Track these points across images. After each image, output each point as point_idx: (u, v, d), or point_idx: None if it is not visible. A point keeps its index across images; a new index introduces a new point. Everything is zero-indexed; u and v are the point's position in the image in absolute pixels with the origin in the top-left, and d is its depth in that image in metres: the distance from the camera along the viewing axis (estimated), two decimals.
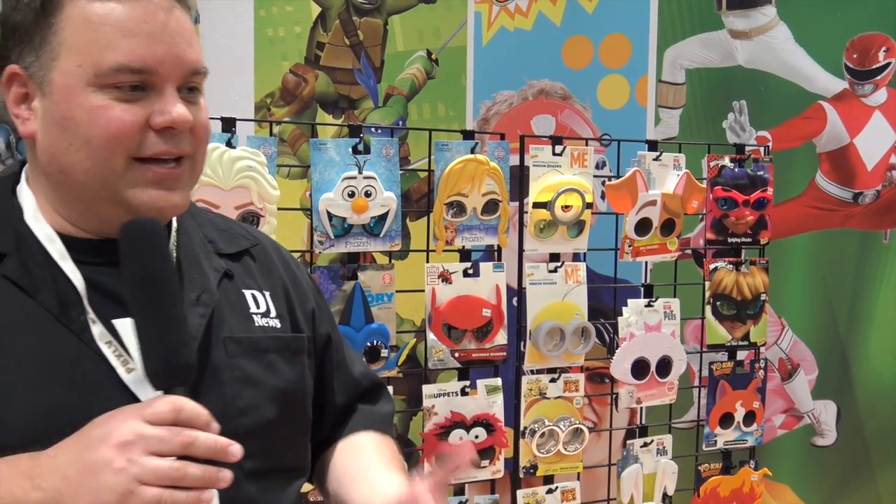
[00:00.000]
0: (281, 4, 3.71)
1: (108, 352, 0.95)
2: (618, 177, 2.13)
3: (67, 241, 1.00)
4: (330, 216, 1.80)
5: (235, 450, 0.88)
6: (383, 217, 1.85)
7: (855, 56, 2.82)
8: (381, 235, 1.85)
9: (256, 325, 1.09)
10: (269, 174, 1.77)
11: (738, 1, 2.96)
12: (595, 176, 2.12)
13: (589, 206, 2.03)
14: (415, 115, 3.45)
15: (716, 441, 2.25)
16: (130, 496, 0.83)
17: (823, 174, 2.89)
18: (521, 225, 2.03)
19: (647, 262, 2.23)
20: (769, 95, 2.93)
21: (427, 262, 1.94)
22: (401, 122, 3.46)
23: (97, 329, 0.96)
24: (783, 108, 2.92)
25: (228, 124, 1.77)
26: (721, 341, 2.25)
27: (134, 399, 0.93)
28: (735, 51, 2.96)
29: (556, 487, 2.07)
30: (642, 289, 2.19)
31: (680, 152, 2.18)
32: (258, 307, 1.11)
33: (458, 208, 1.93)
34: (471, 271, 1.95)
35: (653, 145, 2.16)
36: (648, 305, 2.13)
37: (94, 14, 0.95)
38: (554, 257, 2.05)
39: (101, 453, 0.84)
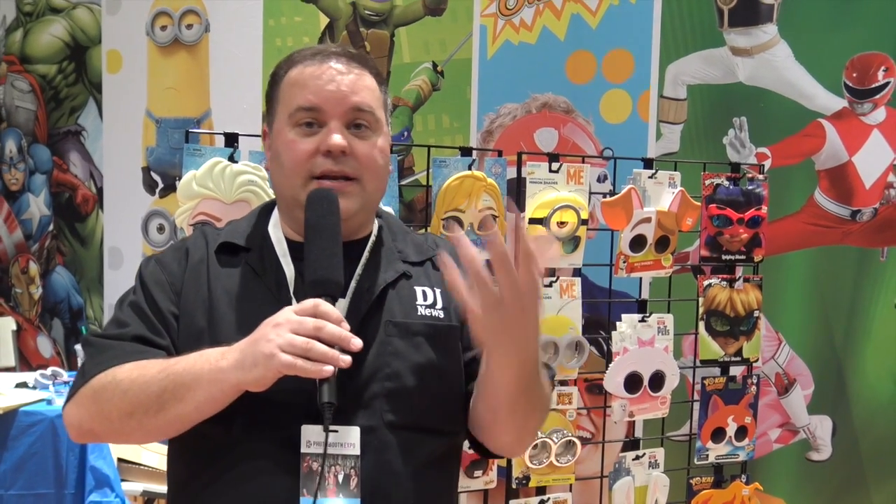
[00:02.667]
0: (290, 15, 3.77)
1: None
2: (614, 193, 2.16)
3: (290, 243, 1.38)
4: None
5: (356, 343, 1.19)
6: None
7: (854, 75, 2.85)
8: None
9: (418, 313, 1.37)
10: (270, 188, 1.81)
11: (739, 18, 2.99)
12: (593, 193, 2.16)
13: (584, 222, 2.07)
14: (420, 126, 3.49)
15: (707, 455, 2.28)
16: (273, 358, 1.17)
17: (822, 191, 2.91)
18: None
19: (642, 278, 2.26)
20: (769, 112, 2.95)
21: None
22: (406, 133, 3.51)
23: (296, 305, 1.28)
24: (783, 125, 2.94)
25: (231, 139, 1.82)
26: (714, 357, 2.29)
27: None
28: (736, 68, 2.99)
29: (549, 499, 2.11)
30: (636, 304, 2.22)
31: (676, 170, 2.21)
32: (426, 300, 1.39)
33: (456, 224, 1.97)
34: None
35: (648, 163, 2.19)
36: (642, 321, 2.17)
37: (293, 77, 1.36)
38: (549, 272, 2.08)
39: (263, 330, 1.20)
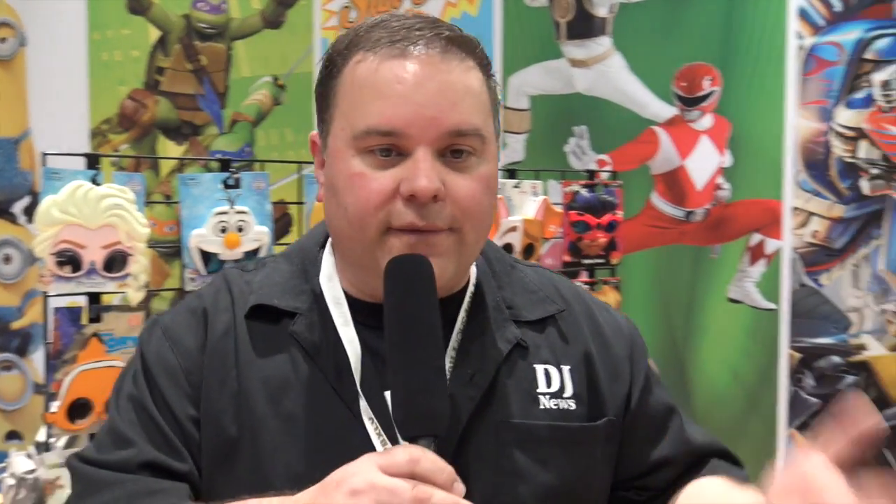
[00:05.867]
0: (116, 27, 3.60)
1: (371, 428, 0.93)
2: None
3: (354, 303, 0.98)
4: (201, 252, 1.78)
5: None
6: (255, 252, 1.84)
7: (683, 84, 3.03)
8: None
9: (542, 408, 0.98)
10: (137, 211, 1.72)
11: (575, 31, 3.12)
12: None
13: None
14: (262, 141, 3.42)
15: None
16: None
17: (658, 194, 3.07)
18: None
19: None
20: (607, 121, 3.10)
21: None
22: (247, 149, 3.42)
23: (363, 403, 0.93)
24: (620, 132, 3.09)
25: (93, 161, 1.71)
26: None
27: None
28: (575, 79, 3.12)
29: None
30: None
31: (537, 179, 2.28)
32: (549, 386, 0.99)
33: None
34: None
35: (512, 173, 2.24)
36: None
37: (358, 76, 0.93)
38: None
39: (334, 498, 0.79)
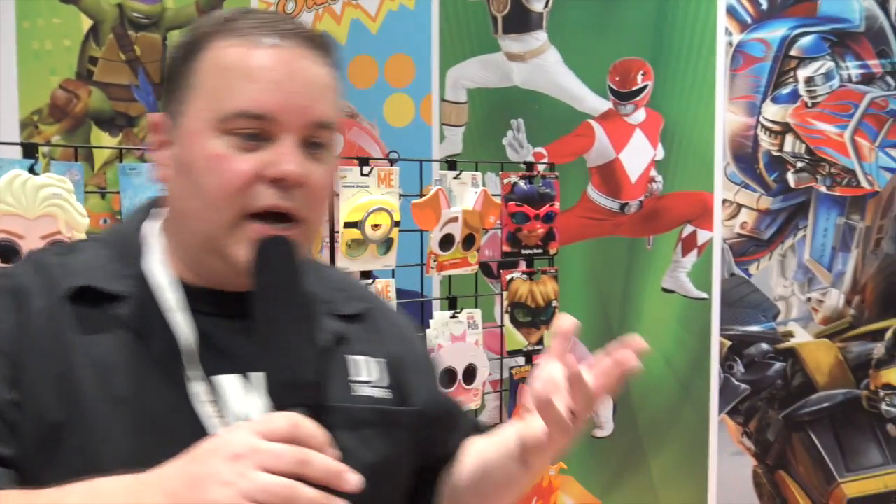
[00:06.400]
0: (47, 16, 3.52)
1: (205, 410, 0.93)
2: (419, 195, 2.22)
3: (188, 289, 0.98)
4: None
5: (352, 479, 0.80)
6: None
7: (617, 79, 3.09)
8: None
9: (360, 394, 1.04)
10: (76, 201, 1.70)
11: (512, 25, 3.16)
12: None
13: (397, 223, 2.11)
14: None
15: None
16: None
17: (594, 186, 3.13)
18: (333, 244, 2.07)
19: (450, 277, 2.33)
20: (544, 114, 3.15)
21: None
22: None
23: (200, 386, 0.94)
24: (556, 125, 3.14)
25: (30, 150, 1.69)
26: (519, 347, 2.41)
27: None
28: (512, 72, 3.16)
29: None
30: (446, 302, 2.30)
31: (477, 170, 2.31)
32: (365, 375, 1.06)
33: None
34: None
35: (452, 165, 2.27)
36: (453, 317, 2.24)
37: (226, 60, 0.95)
38: (365, 275, 2.10)
39: (210, 465, 0.78)
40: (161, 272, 0.98)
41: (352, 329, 1.07)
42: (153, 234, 1.01)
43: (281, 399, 0.85)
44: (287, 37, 0.95)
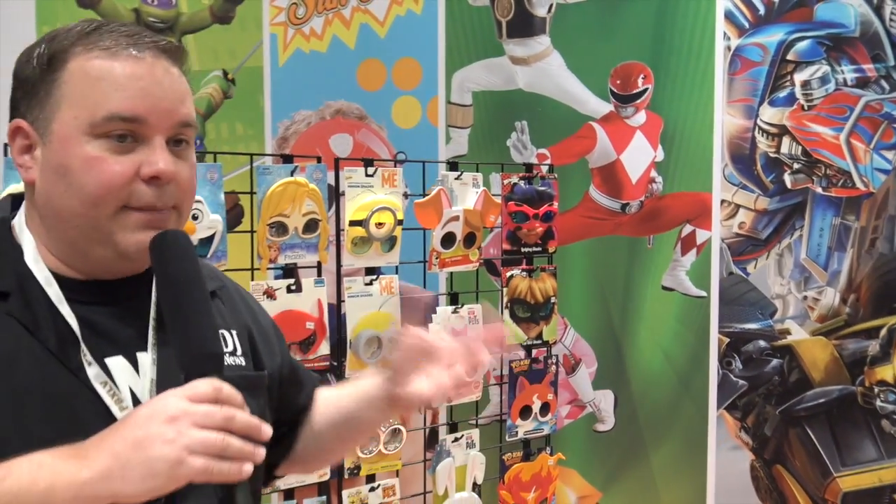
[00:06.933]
0: (65, 20, 3.61)
1: (103, 391, 1.03)
2: (423, 194, 2.31)
3: (63, 281, 1.06)
4: None
5: (266, 429, 0.95)
6: (209, 239, 1.92)
7: (618, 82, 3.15)
8: (208, 257, 1.92)
9: (225, 363, 1.10)
10: None
11: (516, 30, 3.23)
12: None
13: (400, 222, 2.20)
14: (213, 134, 3.49)
15: (517, 432, 2.49)
16: (181, 465, 0.89)
17: (596, 187, 3.20)
18: (339, 242, 2.16)
19: (451, 273, 2.42)
20: (547, 116, 3.21)
21: (252, 280, 2.03)
22: (198, 142, 3.49)
23: (92, 370, 1.03)
24: (559, 127, 3.20)
25: None
26: (519, 341, 2.49)
27: None
28: (516, 76, 3.24)
29: (378, 485, 2.22)
30: (448, 297, 2.38)
31: (477, 171, 2.39)
32: (226, 346, 1.16)
33: (281, 228, 2.04)
34: (294, 287, 2.06)
35: (453, 165, 2.35)
36: (455, 312, 2.33)
37: (93, 70, 1.03)
38: (370, 271, 2.19)
39: (151, 428, 0.90)
40: (37, 267, 1.06)
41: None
42: (22, 232, 1.09)
43: (194, 369, 0.96)
44: (148, 48, 1.06)
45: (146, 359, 1.06)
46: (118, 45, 1.05)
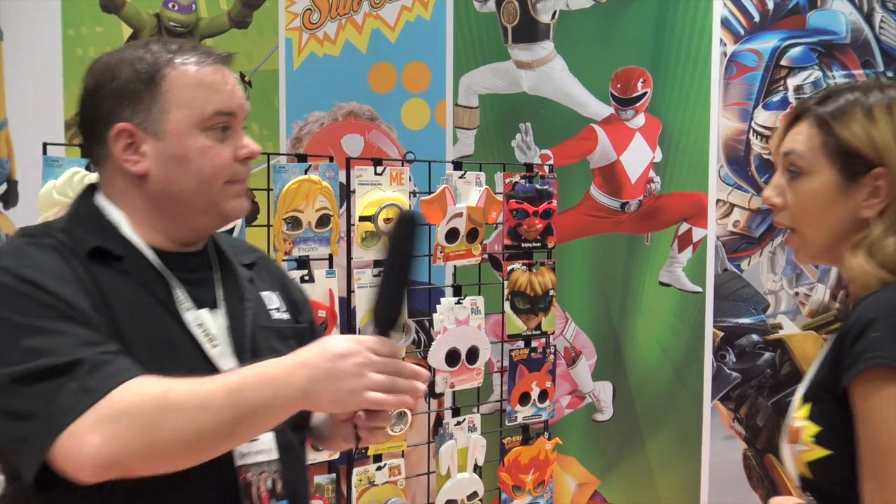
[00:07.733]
0: (90, 25, 3.77)
1: (199, 332, 1.29)
2: (429, 192, 2.45)
3: (157, 252, 1.30)
4: None
5: (426, 374, 1.24)
6: (229, 232, 2.05)
7: (618, 86, 3.24)
8: None
9: (275, 318, 1.41)
10: None
11: (521, 36, 3.34)
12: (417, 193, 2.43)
13: None
14: None
15: (516, 417, 2.61)
16: (360, 395, 1.16)
17: (596, 186, 3.29)
18: (350, 236, 2.30)
19: (455, 266, 2.55)
20: (550, 118, 3.29)
21: None
22: None
23: (190, 314, 1.29)
24: (562, 129, 3.28)
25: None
26: (518, 331, 2.62)
27: (215, 369, 1.26)
28: (520, 79, 3.34)
29: (385, 465, 2.35)
30: (452, 289, 2.51)
31: (480, 171, 2.52)
32: (273, 304, 1.42)
33: (295, 222, 2.18)
34: (307, 278, 2.20)
35: (457, 165, 2.49)
36: (458, 303, 2.46)
37: (193, 79, 1.28)
38: (378, 264, 2.32)
39: (345, 368, 1.17)
40: (135, 237, 1.30)
41: (254, 273, 1.43)
42: (112, 211, 1.31)
43: (382, 327, 1.22)
44: (220, 60, 1.32)
45: (219, 312, 1.32)
46: (203, 59, 1.29)
